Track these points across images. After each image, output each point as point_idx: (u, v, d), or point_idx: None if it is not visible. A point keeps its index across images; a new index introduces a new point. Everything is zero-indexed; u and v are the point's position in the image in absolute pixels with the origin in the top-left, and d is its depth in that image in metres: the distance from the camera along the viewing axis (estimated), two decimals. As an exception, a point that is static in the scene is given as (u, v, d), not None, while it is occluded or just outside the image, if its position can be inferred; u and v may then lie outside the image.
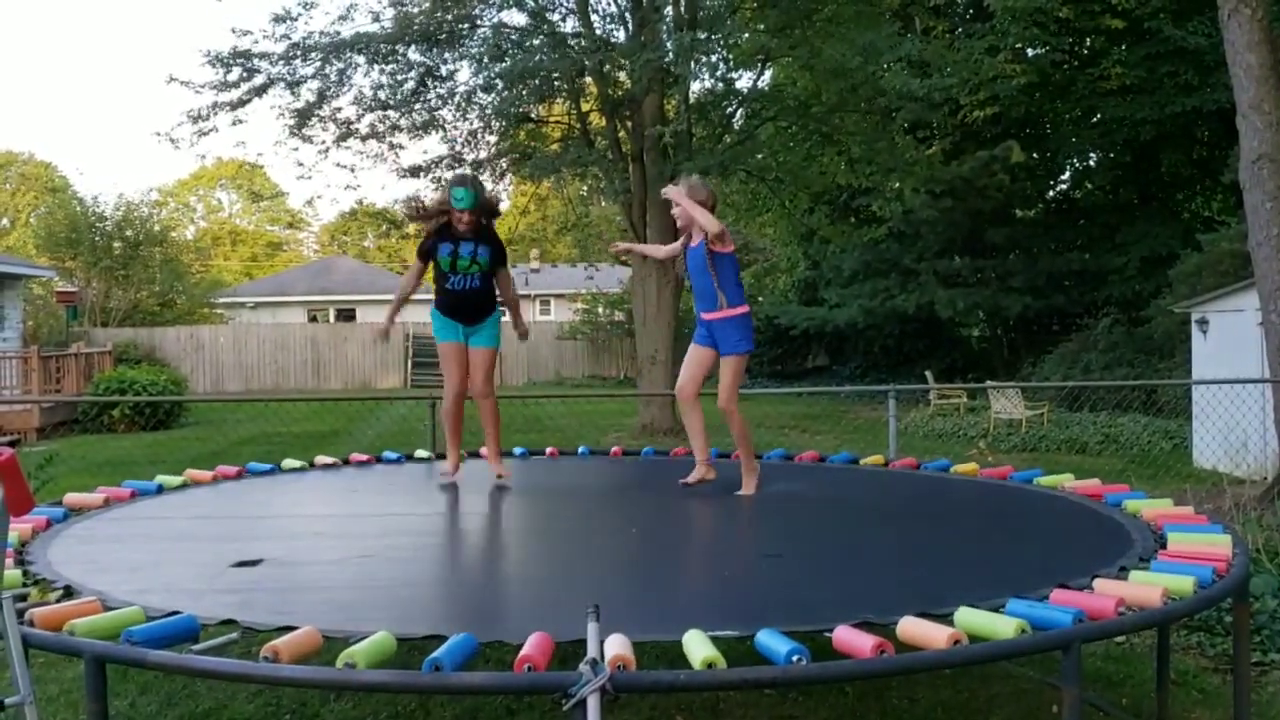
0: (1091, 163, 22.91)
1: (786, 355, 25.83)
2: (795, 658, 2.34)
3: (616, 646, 2.35)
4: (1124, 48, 19.76)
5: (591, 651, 2.33)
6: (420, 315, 35.96)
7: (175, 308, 30.56)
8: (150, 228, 30.06)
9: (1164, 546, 3.46)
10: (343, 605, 3.05)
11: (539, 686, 2.33)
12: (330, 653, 2.55)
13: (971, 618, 2.59)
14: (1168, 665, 4.02)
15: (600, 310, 30.27)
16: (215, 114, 15.08)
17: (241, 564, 3.58)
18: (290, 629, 2.61)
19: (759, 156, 15.94)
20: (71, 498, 4.82)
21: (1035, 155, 21.99)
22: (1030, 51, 19.08)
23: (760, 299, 29.71)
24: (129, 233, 29.09)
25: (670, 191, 5.06)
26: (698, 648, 2.39)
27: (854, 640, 2.46)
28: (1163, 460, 11.87)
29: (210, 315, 32.42)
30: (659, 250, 5.79)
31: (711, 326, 5.10)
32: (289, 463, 6.03)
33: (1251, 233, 8.90)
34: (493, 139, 16.80)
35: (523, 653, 2.37)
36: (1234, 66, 8.97)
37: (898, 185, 17.38)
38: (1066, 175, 24.01)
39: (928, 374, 19.83)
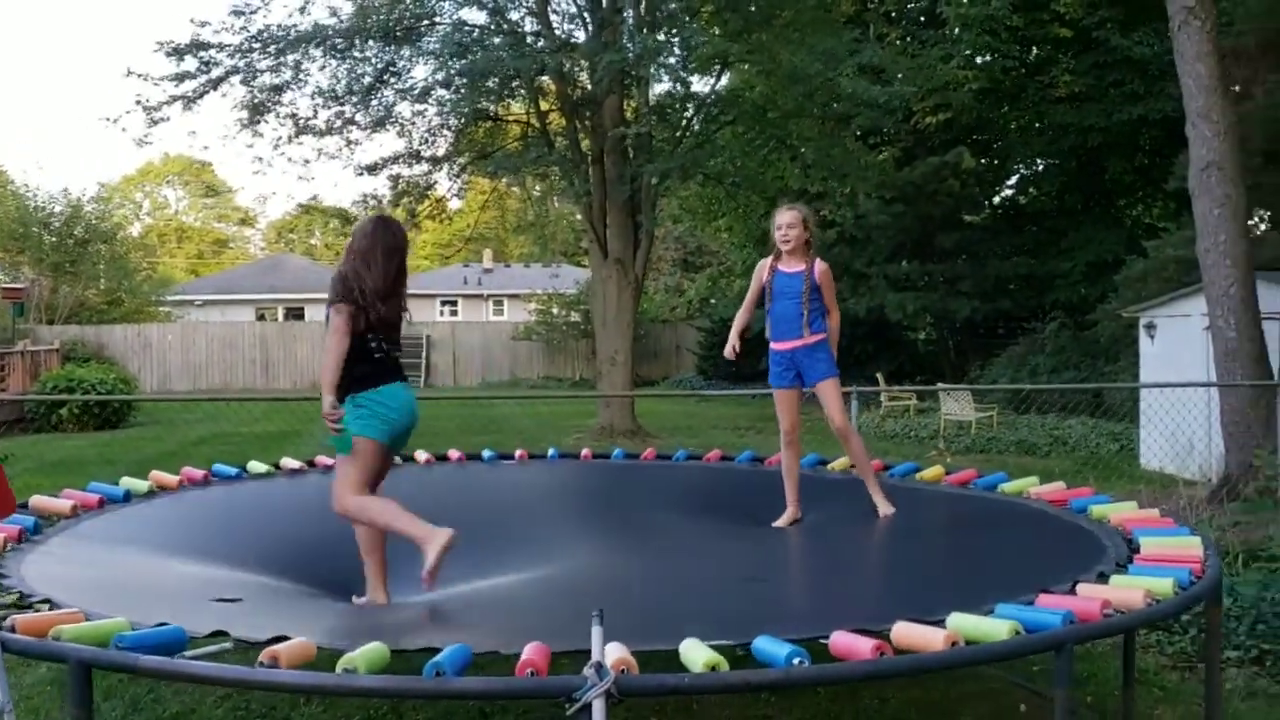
0: (1039, 169, 23.31)
1: (741, 356, 25.99)
2: (796, 660, 2.37)
3: (618, 652, 2.37)
4: (1072, 56, 20.13)
5: (596, 655, 2.34)
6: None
7: (122, 305, 30.03)
8: (99, 225, 29.49)
9: (1136, 550, 3.56)
10: (332, 618, 3.04)
11: (543, 691, 2.34)
12: (319, 665, 2.54)
13: (964, 622, 2.64)
14: (1134, 665, 4.11)
15: (555, 311, 30.22)
16: (169, 105, 14.89)
17: (221, 600, 3.52)
18: (283, 639, 2.59)
19: (713, 161, 16.00)
20: (38, 501, 4.73)
21: (984, 161, 22.36)
22: (980, 59, 19.37)
23: (713, 301, 29.85)
24: (77, 230, 28.54)
25: (795, 215, 5.07)
26: (698, 652, 2.42)
27: (852, 644, 2.50)
28: (1111, 462, 12.10)
29: (156, 313, 31.88)
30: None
31: (795, 356, 5.04)
32: (255, 466, 5.94)
33: (1200, 239, 9.08)
34: (450, 135, 16.74)
35: (524, 657, 2.37)
36: (1184, 76, 9.16)
37: (849, 190, 17.58)
38: (1013, 181, 24.41)
39: (879, 376, 20.05)
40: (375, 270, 4.04)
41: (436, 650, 2.44)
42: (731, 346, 5.28)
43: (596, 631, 2.40)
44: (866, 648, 2.44)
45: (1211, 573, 3.15)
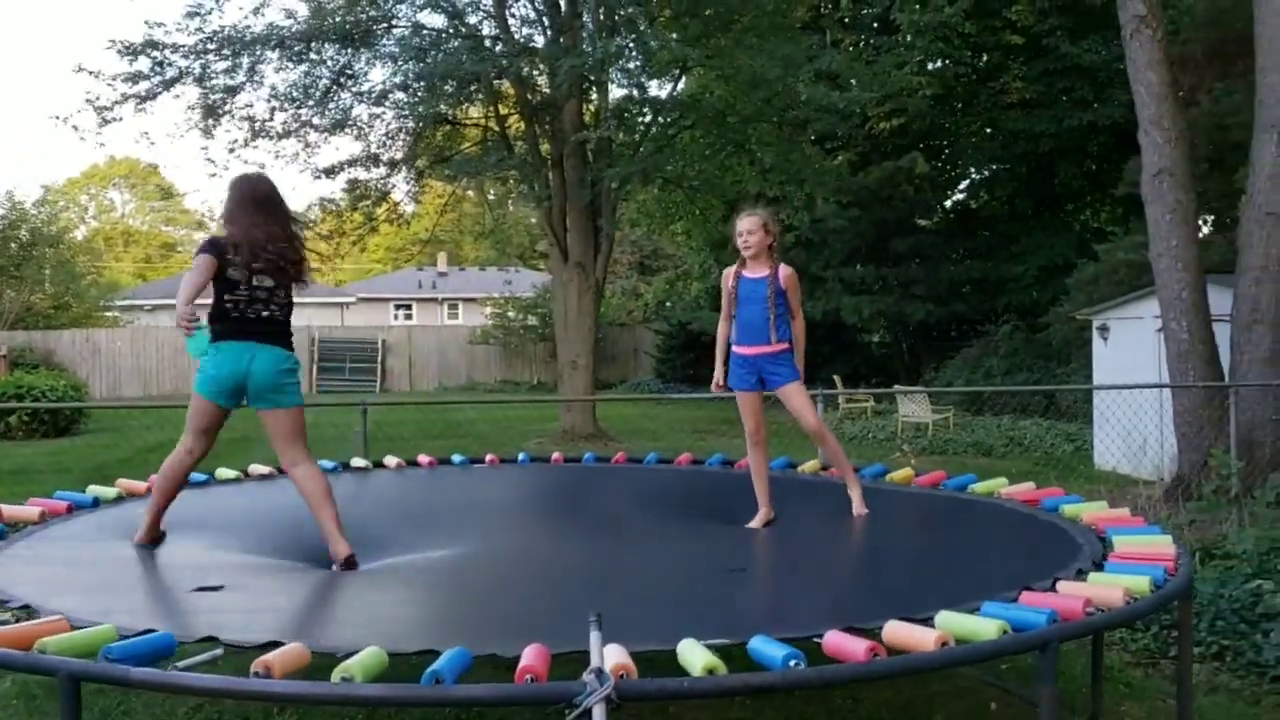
0: (991, 174, 23.66)
1: (699, 360, 26.07)
2: (792, 662, 2.40)
3: (616, 655, 2.38)
4: (1023, 63, 20.48)
5: (595, 660, 2.35)
6: (324, 318, 35.31)
7: (70, 310, 29.42)
8: (44, 228, 28.87)
9: (1109, 549, 3.64)
10: (322, 622, 3.02)
11: (542, 697, 2.34)
12: (313, 671, 2.52)
13: (953, 620, 2.68)
14: (1102, 662, 4.20)
15: (512, 314, 30.12)
16: (121, 104, 14.67)
17: (202, 589, 3.49)
18: (275, 645, 2.57)
19: (672, 166, 16.06)
20: (4, 509, 4.65)
21: (937, 166, 22.65)
22: (932, 65, 19.63)
23: (669, 304, 29.92)
24: (22, 233, 27.92)
25: (755, 220, 5.00)
26: (697, 655, 2.42)
27: (845, 645, 2.52)
28: (1066, 462, 12.31)
29: (104, 318, 31.29)
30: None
31: (759, 361, 5.02)
32: (223, 472, 5.91)
33: (1152, 244, 9.27)
34: (407, 138, 16.65)
35: (523, 663, 2.37)
36: (1135, 84, 9.33)
37: (806, 194, 17.74)
38: (965, 186, 24.77)
39: (836, 379, 20.23)
40: (240, 224, 4.19)
41: (434, 653, 2.44)
42: (716, 383, 5.24)
43: (595, 636, 2.40)
44: (860, 648, 2.46)
45: (1184, 570, 3.23)
